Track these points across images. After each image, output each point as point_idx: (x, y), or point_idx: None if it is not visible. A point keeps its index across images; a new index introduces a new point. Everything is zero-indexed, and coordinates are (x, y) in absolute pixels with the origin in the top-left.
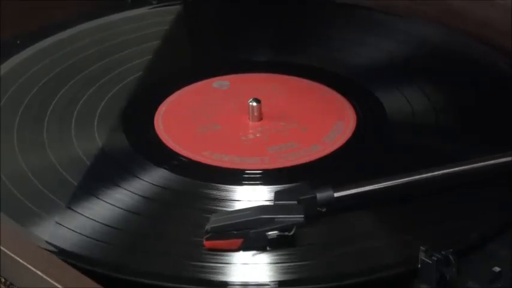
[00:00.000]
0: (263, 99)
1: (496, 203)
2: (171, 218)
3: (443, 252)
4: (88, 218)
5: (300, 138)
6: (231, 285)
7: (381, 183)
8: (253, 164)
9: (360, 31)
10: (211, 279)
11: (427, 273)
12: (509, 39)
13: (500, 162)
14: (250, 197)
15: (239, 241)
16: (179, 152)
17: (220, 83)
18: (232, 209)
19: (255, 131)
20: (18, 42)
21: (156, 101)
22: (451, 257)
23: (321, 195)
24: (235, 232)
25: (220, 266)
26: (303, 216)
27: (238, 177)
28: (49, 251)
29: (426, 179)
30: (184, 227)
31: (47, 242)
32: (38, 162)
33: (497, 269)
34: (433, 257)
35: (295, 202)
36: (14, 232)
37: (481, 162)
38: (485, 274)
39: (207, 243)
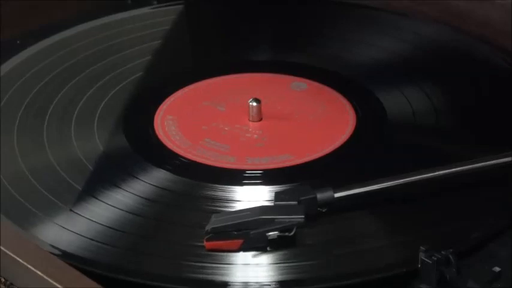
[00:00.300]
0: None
1: (496, 203)
2: (171, 218)
3: (443, 252)
4: (87, 219)
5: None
6: (231, 285)
7: (380, 183)
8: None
9: (360, 31)
10: (212, 279)
11: (427, 273)
12: (509, 39)
13: (500, 162)
14: (251, 197)
15: (239, 242)
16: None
17: (297, 84)
18: (232, 210)
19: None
20: (18, 42)
21: (156, 101)
22: (451, 257)
23: (321, 196)
24: (235, 233)
25: (220, 267)
26: (303, 216)
27: (238, 177)
28: (49, 252)
29: (426, 179)
30: (184, 227)
31: (46, 242)
32: (38, 163)
33: (497, 269)
34: (433, 257)
35: (296, 202)
36: (14, 232)
37: (481, 162)
38: (485, 274)
39: (208, 244)
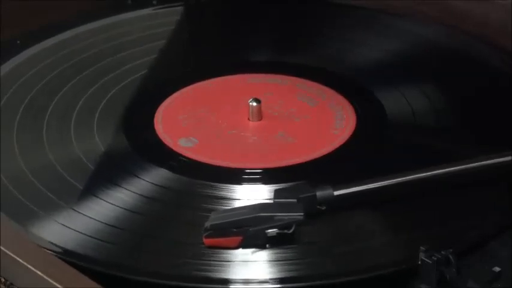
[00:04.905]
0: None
1: (496, 203)
2: (171, 217)
3: (443, 252)
4: (88, 217)
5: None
6: (230, 282)
7: (380, 181)
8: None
9: (360, 31)
10: (211, 277)
11: (427, 273)
12: (509, 39)
13: (500, 162)
14: (250, 196)
15: (238, 239)
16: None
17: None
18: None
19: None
20: (18, 42)
21: (156, 101)
22: (451, 257)
23: (320, 194)
24: (234, 230)
25: (220, 264)
26: (302, 214)
27: (238, 176)
28: (49, 249)
29: (426, 178)
30: (184, 226)
31: (46, 240)
32: (38, 162)
33: (497, 269)
34: (433, 257)
35: (295, 200)
36: (14, 232)
37: (480, 162)
38: (485, 274)
39: (207, 241)
